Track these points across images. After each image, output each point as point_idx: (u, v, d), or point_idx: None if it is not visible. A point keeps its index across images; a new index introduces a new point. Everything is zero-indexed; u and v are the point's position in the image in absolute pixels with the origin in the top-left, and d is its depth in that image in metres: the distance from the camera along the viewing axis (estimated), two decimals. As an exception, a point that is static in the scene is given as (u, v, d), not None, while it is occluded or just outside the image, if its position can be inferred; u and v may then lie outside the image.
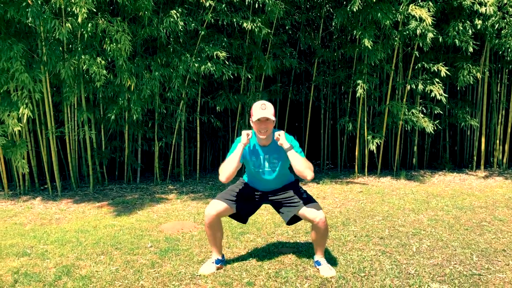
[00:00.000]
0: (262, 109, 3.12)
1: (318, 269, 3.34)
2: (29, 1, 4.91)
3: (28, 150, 5.97)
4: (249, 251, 3.76)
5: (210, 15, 6.19)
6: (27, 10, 4.97)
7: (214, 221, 3.27)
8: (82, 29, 5.40)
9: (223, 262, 3.42)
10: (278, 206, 3.40)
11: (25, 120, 5.63)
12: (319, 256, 3.39)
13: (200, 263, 3.47)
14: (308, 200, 3.30)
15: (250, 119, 3.24)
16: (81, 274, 3.29)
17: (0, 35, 5.28)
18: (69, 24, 5.18)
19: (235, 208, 3.31)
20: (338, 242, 3.97)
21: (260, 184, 3.38)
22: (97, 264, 3.47)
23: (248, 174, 3.45)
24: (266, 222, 4.63)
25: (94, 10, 5.26)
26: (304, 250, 3.75)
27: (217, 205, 3.26)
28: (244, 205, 3.37)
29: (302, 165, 3.10)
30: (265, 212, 5.01)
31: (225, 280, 3.18)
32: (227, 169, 3.14)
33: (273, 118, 3.14)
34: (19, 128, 5.23)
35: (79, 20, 5.06)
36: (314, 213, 3.22)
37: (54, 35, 5.29)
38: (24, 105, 5.27)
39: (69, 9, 5.20)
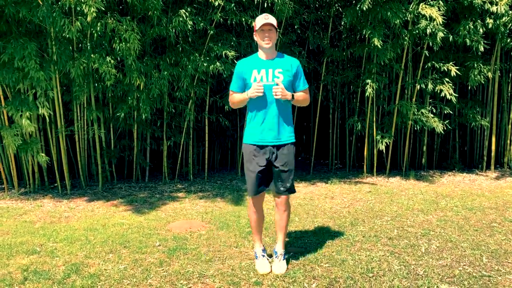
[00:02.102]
0: (265, 19, 3.15)
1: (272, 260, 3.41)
2: (39, 1, 4.95)
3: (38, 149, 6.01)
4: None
5: (219, 14, 6.19)
6: (38, 9, 5.01)
7: (259, 212, 3.40)
8: (92, 29, 5.43)
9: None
10: (277, 173, 3.32)
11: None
12: (279, 245, 3.44)
13: (208, 262, 3.48)
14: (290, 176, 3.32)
15: (254, 33, 3.23)
16: (90, 272, 3.31)
17: (12, 35, 5.33)
18: (78, 23, 5.21)
19: (264, 186, 3.34)
20: (346, 242, 3.95)
21: (265, 117, 3.25)
22: (105, 263, 3.49)
23: (251, 111, 3.32)
24: (274, 221, 4.62)
25: (104, 9, 5.29)
26: (312, 250, 3.74)
27: (253, 202, 3.36)
28: (265, 177, 3.34)
29: (303, 104, 3.40)
30: (273, 212, 5.00)
31: (233, 279, 3.18)
32: (235, 106, 3.42)
33: (275, 22, 3.15)
34: (33, 129, 5.29)
35: (88, 19, 5.09)
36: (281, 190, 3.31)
37: (64, 34, 5.33)
38: (41, 105, 5.36)
39: (78, 8, 5.23)
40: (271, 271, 3.30)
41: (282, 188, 3.31)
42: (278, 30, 3.21)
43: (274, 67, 3.22)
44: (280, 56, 3.31)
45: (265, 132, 3.26)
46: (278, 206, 3.40)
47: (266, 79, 3.21)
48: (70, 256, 3.63)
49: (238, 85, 3.33)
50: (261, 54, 3.28)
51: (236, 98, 3.34)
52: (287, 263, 3.45)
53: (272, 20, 3.17)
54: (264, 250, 3.46)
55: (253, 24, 3.21)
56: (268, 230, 4.31)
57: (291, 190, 3.36)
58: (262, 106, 3.24)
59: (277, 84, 3.18)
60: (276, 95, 3.15)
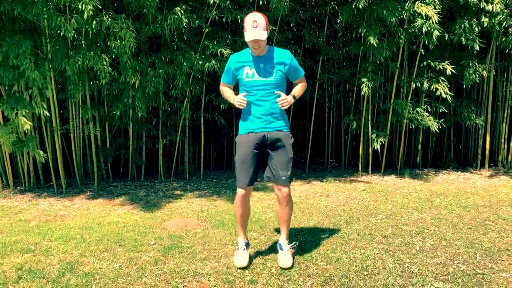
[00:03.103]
0: (253, 27, 3.10)
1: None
2: (34, -2, 4.94)
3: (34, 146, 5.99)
4: (252, 248, 3.76)
5: (214, 12, 6.18)
6: (32, 6, 4.99)
7: (245, 206, 3.41)
8: (87, 26, 5.41)
9: (248, 245, 3.52)
10: (274, 156, 3.35)
11: (42, 118, 5.69)
12: (283, 238, 3.48)
13: (203, 261, 3.48)
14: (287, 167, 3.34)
15: (244, 32, 3.22)
16: (85, 270, 3.30)
17: (6, 33, 5.31)
18: (74, 21, 5.19)
19: (254, 179, 3.36)
20: (341, 241, 3.96)
21: (257, 110, 3.28)
22: (100, 261, 3.49)
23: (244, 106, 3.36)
24: (269, 220, 4.63)
25: (100, 7, 5.28)
26: (307, 248, 3.75)
27: (241, 194, 3.35)
28: (253, 165, 3.35)
29: (303, 92, 3.47)
30: (268, 210, 5.01)
31: (228, 277, 3.19)
32: (224, 96, 3.48)
33: (264, 37, 3.11)
34: (28, 127, 5.27)
35: (85, 16, 5.08)
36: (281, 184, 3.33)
37: (59, 32, 5.32)
38: (38, 105, 5.36)
39: (73, 6, 5.22)
40: (247, 265, 3.34)
41: (283, 177, 3.32)
42: (268, 30, 3.19)
43: (265, 63, 3.25)
44: (271, 51, 3.31)
45: (258, 122, 3.30)
46: (280, 200, 3.41)
47: (258, 76, 3.24)
48: (65, 255, 3.62)
49: (229, 78, 3.43)
50: (252, 49, 3.28)
51: (224, 93, 3.45)
52: (293, 257, 3.48)
53: (261, 29, 3.11)
54: (247, 244, 3.48)
55: (243, 25, 3.18)
56: (263, 229, 4.32)
57: (289, 182, 3.37)
58: (254, 102, 3.30)
59: (279, 96, 3.25)
60: (283, 106, 3.22)
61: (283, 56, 3.31)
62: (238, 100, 3.23)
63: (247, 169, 3.31)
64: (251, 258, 3.50)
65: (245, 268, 3.33)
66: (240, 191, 3.36)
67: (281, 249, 3.44)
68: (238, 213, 3.43)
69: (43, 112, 5.46)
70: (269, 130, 3.31)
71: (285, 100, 3.22)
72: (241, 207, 3.40)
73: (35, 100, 5.40)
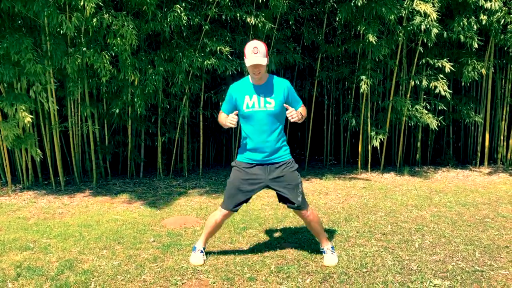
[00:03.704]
0: (254, 53, 3.11)
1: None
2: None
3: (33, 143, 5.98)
4: (251, 246, 3.76)
5: (214, 10, 6.17)
6: (33, 3, 4.98)
7: (221, 223, 3.46)
8: (87, 24, 5.40)
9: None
10: (278, 189, 3.34)
11: (40, 115, 5.69)
12: (323, 245, 3.51)
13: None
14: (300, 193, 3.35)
15: (244, 59, 3.23)
16: (84, 268, 3.30)
17: (6, 30, 5.29)
18: (75, 19, 5.18)
19: (241, 205, 3.37)
20: (340, 238, 3.96)
21: (258, 141, 3.27)
22: (99, 259, 3.49)
23: (244, 133, 3.36)
24: (269, 217, 4.63)
25: (101, 4, 5.26)
26: (306, 245, 3.75)
27: (223, 214, 3.38)
28: (247, 198, 3.36)
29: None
30: (268, 208, 5.01)
31: (227, 275, 3.19)
32: (220, 124, 3.45)
33: (265, 62, 3.13)
34: (29, 119, 5.25)
35: (87, 14, 5.08)
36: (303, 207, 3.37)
37: (59, 29, 5.30)
38: (44, 100, 5.38)
39: (73, 3, 5.21)
40: (203, 264, 3.38)
41: (295, 204, 3.31)
42: (268, 57, 3.18)
43: (265, 93, 3.24)
44: (270, 80, 3.30)
45: (258, 153, 3.29)
46: (303, 220, 3.45)
47: (258, 105, 3.23)
48: (64, 252, 3.62)
49: (229, 108, 3.39)
50: (252, 78, 3.28)
51: (220, 119, 3.43)
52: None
53: (261, 55, 3.11)
54: (202, 250, 3.48)
55: (244, 52, 3.20)
56: (262, 226, 4.31)
57: (303, 205, 3.34)
58: (254, 130, 3.27)
59: (287, 109, 3.21)
60: (292, 118, 3.17)
61: (283, 86, 3.29)
62: (229, 120, 3.19)
63: (236, 195, 3.31)
64: (251, 255, 3.51)
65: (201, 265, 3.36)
66: (223, 211, 3.37)
67: (325, 253, 3.46)
68: (212, 226, 3.44)
69: (51, 106, 5.48)
70: (271, 162, 3.30)
71: (294, 112, 3.17)
72: (218, 223, 3.42)
73: (40, 94, 5.40)
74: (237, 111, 3.27)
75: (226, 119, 3.24)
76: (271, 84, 3.28)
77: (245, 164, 3.34)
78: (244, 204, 3.40)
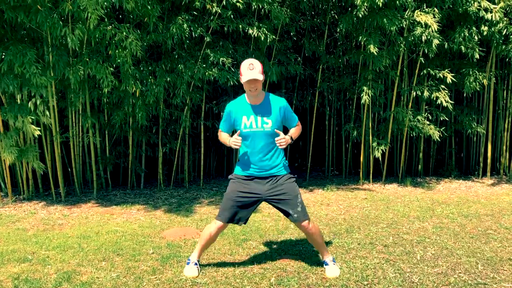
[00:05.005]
0: (250, 70, 3.17)
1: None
2: (39, 7, 4.95)
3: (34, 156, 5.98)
4: (251, 258, 3.73)
5: (216, 21, 6.20)
6: (36, 15, 5.01)
7: (215, 236, 3.44)
8: (90, 35, 5.43)
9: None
10: (276, 202, 3.35)
11: (41, 126, 5.70)
12: (324, 257, 3.48)
13: (202, 270, 3.45)
14: (300, 204, 3.34)
15: (240, 77, 3.27)
16: (82, 280, 3.27)
17: (9, 41, 5.32)
18: (79, 31, 5.21)
19: (235, 220, 3.37)
20: (341, 250, 3.93)
21: (256, 158, 3.31)
22: (98, 271, 3.46)
23: (241, 151, 3.40)
24: (269, 229, 4.60)
25: (104, 16, 5.30)
26: (306, 258, 3.72)
27: (218, 227, 3.37)
28: (243, 213, 3.37)
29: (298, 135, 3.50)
30: (269, 219, 4.98)
31: (227, 287, 3.15)
32: (222, 142, 3.48)
33: (261, 78, 3.17)
34: (39, 132, 5.28)
35: (91, 26, 5.12)
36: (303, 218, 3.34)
37: (61, 40, 5.32)
38: (42, 113, 5.38)
39: (76, 15, 5.24)
40: (198, 275, 3.35)
41: (295, 215, 3.30)
42: (262, 78, 3.22)
43: (262, 114, 3.28)
44: (267, 99, 3.33)
45: (256, 169, 3.33)
46: (304, 232, 3.43)
47: (256, 125, 3.27)
48: (62, 264, 3.59)
49: (227, 127, 3.44)
50: (248, 97, 3.31)
51: (222, 138, 3.47)
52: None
53: (257, 71, 3.17)
54: (197, 262, 3.45)
55: (240, 71, 3.26)
56: (263, 238, 4.28)
57: (303, 217, 3.32)
58: (252, 149, 3.32)
59: (276, 135, 3.27)
60: (281, 146, 3.24)
61: (279, 105, 3.33)
62: (233, 140, 3.24)
63: (232, 207, 3.31)
64: (251, 267, 3.47)
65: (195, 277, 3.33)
66: (218, 223, 3.36)
67: (327, 264, 3.43)
68: (206, 238, 3.41)
69: (47, 120, 5.48)
70: (269, 175, 3.33)
71: (283, 140, 3.24)
72: (212, 236, 3.40)
73: (39, 108, 5.40)
74: (239, 131, 3.30)
75: (230, 141, 3.28)
76: (268, 103, 3.32)
77: (242, 176, 3.36)
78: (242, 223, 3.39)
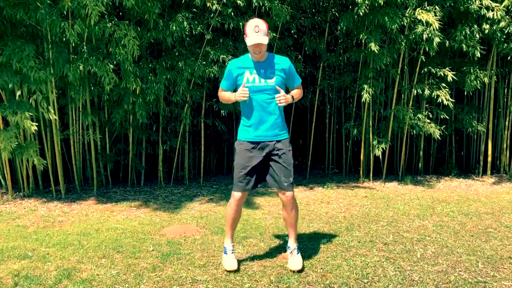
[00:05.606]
0: (255, 32, 3.15)
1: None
2: (38, 3, 4.94)
3: (34, 152, 5.97)
4: (251, 256, 3.73)
5: (216, 19, 6.19)
6: (35, 11, 5.00)
7: (239, 210, 3.44)
8: (90, 32, 5.42)
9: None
10: (274, 163, 3.38)
11: (41, 123, 5.67)
12: (291, 242, 3.51)
13: (202, 268, 3.45)
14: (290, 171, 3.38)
15: (245, 36, 3.26)
16: (82, 277, 3.27)
17: (8, 38, 5.31)
18: (78, 27, 5.20)
19: (252, 187, 3.38)
20: (341, 248, 3.93)
21: (258, 116, 3.32)
22: (98, 268, 3.46)
23: (244, 110, 3.39)
24: (269, 226, 4.60)
25: (105, 12, 5.29)
26: (307, 255, 3.71)
27: (237, 199, 3.38)
28: (256, 177, 3.39)
29: (299, 98, 3.52)
30: (268, 217, 4.98)
31: (227, 285, 3.15)
32: (224, 102, 3.52)
33: (266, 41, 3.17)
34: (36, 128, 5.26)
35: (92, 22, 5.10)
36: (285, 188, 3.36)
37: (61, 37, 5.31)
38: (44, 109, 5.35)
39: (76, 12, 5.23)
40: (237, 269, 3.35)
41: (285, 183, 3.34)
42: (269, 35, 3.23)
43: (266, 69, 3.28)
44: (271, 57, 3.36)
45: (259, 130, 3.34)
46: (285, 205, 3.43)
47: (259, 81, 3.28)
48: (63, 261, 3.59)
49: (228, 84, 3.44)
50: (252, 55, 3.33)
51: (225, 96, 3.46)
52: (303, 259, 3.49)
53: (262, 34, 3.16)
54: (233, 250, 3.48)
55: (245, 30, 3.23)
56: (263, 236, 4.29)
57: (292, 188, 3.38)
58: (255, 106, 3.32)
59: (278, 92, 3.28)
60: (280, 103, 3.25)
61: (283, 62, 3.37)
62: (240, 93, 3.24)
63: (244, 174, 3.34)
64: (251, 265, 3.47)
65: (236, 271, 3.31)
66: (236, 195, 3.38)
67: (290, 252, 3.44)
68: (230, 216, 3.44)
69: (52, 116, 5.47)
70: (270, 139, 3.35)
71: (283, 97, 3.24)
72: (235, 211, 3.42)
73: (42, 105, 5.39)
74: (243, 85, 3.28)
75: (236, 94, 3.27)
76: (271, 61, 3.32)
77: (246, 142, 3.38)
78: (252, 189, 3.40)
